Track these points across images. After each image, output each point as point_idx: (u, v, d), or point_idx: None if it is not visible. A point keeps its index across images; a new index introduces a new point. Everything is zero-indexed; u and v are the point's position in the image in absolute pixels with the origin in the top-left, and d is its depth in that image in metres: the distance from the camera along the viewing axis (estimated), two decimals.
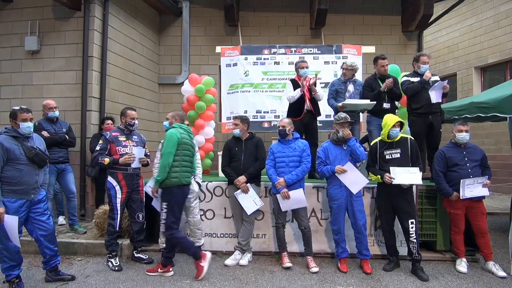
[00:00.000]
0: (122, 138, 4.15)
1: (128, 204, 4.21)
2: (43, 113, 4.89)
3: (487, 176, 3.98)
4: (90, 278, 3.80)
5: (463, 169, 4.00)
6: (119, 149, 4.10)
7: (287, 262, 4.13)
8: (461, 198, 3.93)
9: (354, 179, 3.99)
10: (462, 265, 4.08)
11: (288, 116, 5.03)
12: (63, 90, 5.83)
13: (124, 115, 4.17)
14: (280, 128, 4.21)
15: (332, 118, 5.11)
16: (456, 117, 5.36)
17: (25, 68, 5.96)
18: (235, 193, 4.26)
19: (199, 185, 4.46)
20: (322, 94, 5.10)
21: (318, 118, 6.25)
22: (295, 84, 5.05)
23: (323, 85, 6.00)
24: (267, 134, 6.51)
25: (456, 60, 10.38)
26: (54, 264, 3.66)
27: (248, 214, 4.24)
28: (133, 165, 4.12)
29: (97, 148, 4.09)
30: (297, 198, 4.05)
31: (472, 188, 3.93)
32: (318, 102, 5.13)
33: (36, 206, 3.50)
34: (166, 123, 4.17)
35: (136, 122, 4.23)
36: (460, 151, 4.09)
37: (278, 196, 4.09)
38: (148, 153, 4.37)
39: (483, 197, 4.00)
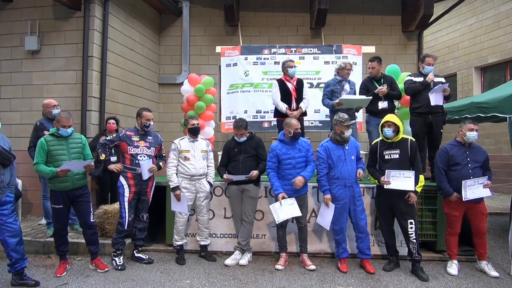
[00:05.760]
0: (135, 138, 4.18)
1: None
2: (43, 113, 4.87)
3: (487, 176, 3.94)
4: (90, 278, 3.80)
5: (464, 169, 3.95)
6: (130, 148, 4.14)
7: (277, 264, 4.15)
8: (463, 200, 3.87)
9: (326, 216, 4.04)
10: (452, 267, 4.05)
11: (275, 115, 5.14)
12: (63, 90, 5.82)
13: (140, 116, 4.20)
14: (297, 131, 4.09)
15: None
16: (457, 117, 5.35)
17: (25, 68, 5.95)
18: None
19: (211, 185, 4.49)
20: (308, 103, 5.14)
21: (318, 118, 6.29)
22: (282, 85, 5.05)
23: (322, 85, 5.99)
24: (267, 134, 6.49)
25: (456, 60, 10.37)
26: (19, 268, 3.53)
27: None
28: (144, 177, 4.14)
29: (107, 139, 4.28)
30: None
31: (474, 189, 3.88)
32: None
33: (3, 208, 3.43)
34: None
35: (152, 123, 4.23)
36: (464, 150, 4.01)
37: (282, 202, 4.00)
38: (164, 154, 4.40)
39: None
